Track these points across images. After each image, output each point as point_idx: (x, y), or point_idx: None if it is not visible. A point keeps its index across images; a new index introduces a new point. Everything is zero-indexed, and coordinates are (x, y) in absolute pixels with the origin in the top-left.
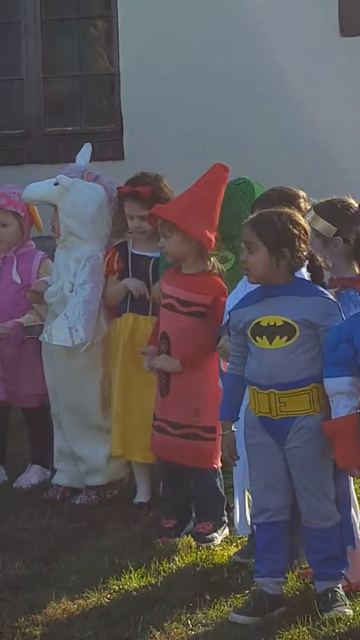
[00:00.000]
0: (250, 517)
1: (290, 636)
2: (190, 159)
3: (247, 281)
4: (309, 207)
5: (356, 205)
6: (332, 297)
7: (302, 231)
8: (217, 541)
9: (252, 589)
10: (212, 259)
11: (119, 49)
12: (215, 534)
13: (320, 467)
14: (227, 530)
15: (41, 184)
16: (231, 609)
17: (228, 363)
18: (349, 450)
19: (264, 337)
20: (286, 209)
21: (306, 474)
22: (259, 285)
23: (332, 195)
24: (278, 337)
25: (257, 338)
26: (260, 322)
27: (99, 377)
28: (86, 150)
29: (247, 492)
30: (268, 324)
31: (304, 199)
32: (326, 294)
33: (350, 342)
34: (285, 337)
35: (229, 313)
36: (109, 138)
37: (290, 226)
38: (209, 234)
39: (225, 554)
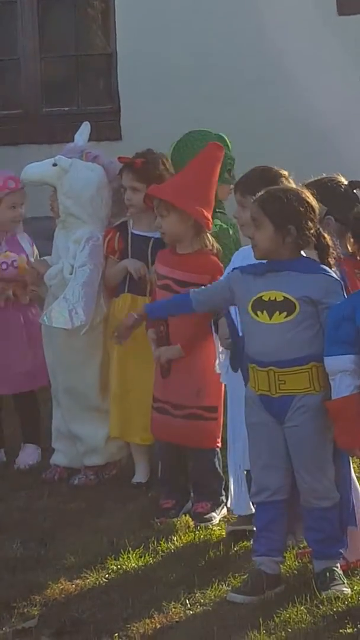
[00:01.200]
0: (250, 495)
1: (288, 615)
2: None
3: (255, 257)
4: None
5: (345, 182)
6: (334, 275)
7: (309, 209)
8: (215, 521)
9: (250, 568)
10: (209, 237)
11: (116, 29)
12: (213, 514)
13: (319, 446)
14: (225, 510)
15: (39, 165)
16: (229, 589)
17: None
18: (351, 430)
19: (264, 312)
20: (294, 187)
21: (305, 453)
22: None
23: (321, 174)
24: (277, 312)
25: (258, 312)
26: (262, 296)
27: (99, 358)
28: (84, 129)
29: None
30: (269, 299)
31: (286, 178)
32: (328, 272)
33: (353, 320)
34: (285, 313)
35: (233, 271)
36: (106, 118)
37: (296, 204)
38: (206, 212)
39: (223, 533)
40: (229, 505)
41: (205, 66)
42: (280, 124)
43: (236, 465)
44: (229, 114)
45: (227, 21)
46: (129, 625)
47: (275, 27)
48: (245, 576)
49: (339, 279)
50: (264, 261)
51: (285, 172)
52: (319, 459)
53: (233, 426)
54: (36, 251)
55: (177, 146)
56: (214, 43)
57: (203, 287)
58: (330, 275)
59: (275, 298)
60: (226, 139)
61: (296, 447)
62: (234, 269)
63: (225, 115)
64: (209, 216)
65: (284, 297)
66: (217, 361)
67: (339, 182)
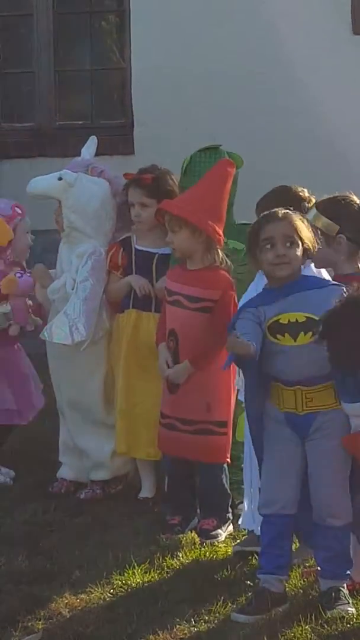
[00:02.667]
0: (258, 507)
1: (292, 634)
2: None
3: (279, 273)
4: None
5: (359, 201)
6: (339, 285)
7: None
8: (221, 538)
9: (255, 586)
10: (220, 253)
11: (130, 43)
12: (219, 531)
13: (339, 461)
14: (231, 527)
15: (45, 178)
16: (234, 606)
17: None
18: None
19: (286, 334)
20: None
21: (325, 466)
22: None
23: (344, 190)
24: (302, 333)
25: (279, 336)
26: (279, 320)
27: (102, 373)
28: (91, 143)
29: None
30: (289, 321)
31: (305, 199)
32: (334, 283)
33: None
34: (310, 333)
35: (244, 308)
36: (119, 132)
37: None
38: (218, 228)
39: (229, 551)
40: (240, 522)
41: (219, 81)
42: (296, 138)
43: (251, 482)
44: (243, 129)
45: (241, 37)
46: None
47: (290, 43)
48: (250, 595)
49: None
50: (269, 288)
51: (305, 190)
52: (339, 474)
53: (249, 443)
54: None
55: (191, 162)
56: (228, 58)
57: (243, 329)
58: (338, 286)
59: (297, 319)
60: (236, 157)
61: (316, 459)
62: (247, 309)
63: (239, 130)
64: (220, 232)
65: (306, 317)
66: (237, 377)
67: (352, 200)
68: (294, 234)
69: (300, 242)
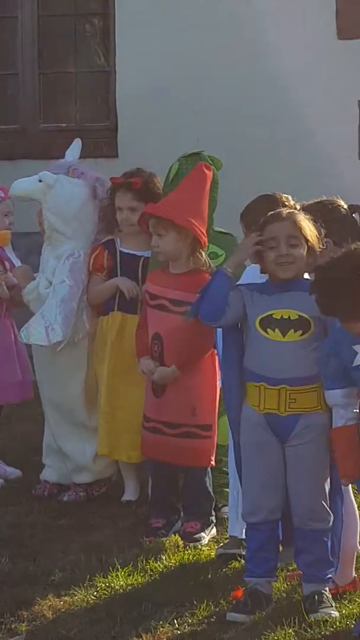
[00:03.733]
0: (242, 515)
1: (276, 637)
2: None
3: (283, 275)
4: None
5: (345, 206)
6: None
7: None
8: (205, 541)
9: (246, 588)
10: (203, 256)
11: (115, 46)
12: (202, 534)
13: (320, 467)
14: (214, 530)
15: (26, 180)
16: (218, 609)
17: None
18: (348, 461)
19: (277, 329)
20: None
21: (307, 472)
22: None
23: (330, 196)
24: (292, 330)
25: (269, 330)
26: (272, 314)
27: (83, 375)
28: (75, 145)
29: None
30: (281, 317)
31: (288, 205)
32: None
33: (338, 356)
34: (300, 331)
35: (239, 286)
36: (103, 135)
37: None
38: (203, 230)
39: (212, 554)
40: (228, 529)
41: (203, 85)
42: (278, 144)
43: (236, 487)
44: (227, 133)
45: (227, 41)
46: None
47: (276, 49)
48: (244, 596)
49: None
50: (267, 282)
51: (289, 198)
52: (319, 479)
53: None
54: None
55: (175, 167)
56: (213, 62)
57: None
58: None
59: (289, 316)
60: (211, 161)
61: (298, 465)
62: (238, 284)
63: (223, 134)
64: (205, 234)
65: (299, 315)
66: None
67: (339, 205)
68: (298, 233)
69: (304, 242)
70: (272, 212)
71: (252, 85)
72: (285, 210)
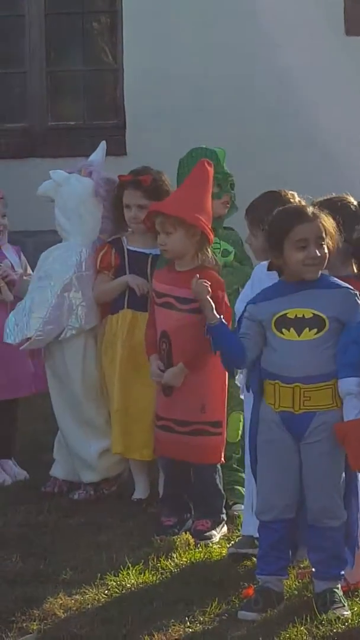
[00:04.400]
0: (256, 513)
1: (288, 635)
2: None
3: (310, 276)
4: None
5: (355, 203)
6: (351, 288)
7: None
8: (216, 539)
9: (257, 586)
10: (210, 253)
11: (123, 44)
12: (213, 532)
13: (336, 464)
14: (225, 528)
15: (48, 181)
16: (229, 607)
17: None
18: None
19: (292, 329)
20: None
21: (322, 469)
22: (271, 280)
23: (331, 193)
24: (307, 329)
25: (284, 330)
26: (286, 314)
27: (80, 372)
28: (100, 149)
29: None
30: (296, 316)
31: (294, 202)
32: (347, 286)
33: (359, 344)
34: (315, 330)
35: (246, 306)
36: (111, 133)
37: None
38: (209, 226)
39: (224, 552)
40: (243, 529)
41: (211, 83)
42: (284, 141)
43: (251, 485)
44: (234, 131)
45: (233, 39)
46: None
47: (282, 44)
48: (255, 594)
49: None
50: (278, 283)
51: (295, 194)
52: (334, 476)
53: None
54: (24, 260)
55: (180, 164)
56: (221, 60)
57: (241, 336)
58: (351, 289)
59: (304, 315)
60: (218, 153)
61: (313, 462)
62: (247, 304)
63: (230, 132)
64: (211, 231)
65: (313, 313)
66: (237, 376)
67: (349, 201)
68: (324, 233)
69: (328, 241)
70: (293, 209)
71: (259, 83)
72: (309, 209)
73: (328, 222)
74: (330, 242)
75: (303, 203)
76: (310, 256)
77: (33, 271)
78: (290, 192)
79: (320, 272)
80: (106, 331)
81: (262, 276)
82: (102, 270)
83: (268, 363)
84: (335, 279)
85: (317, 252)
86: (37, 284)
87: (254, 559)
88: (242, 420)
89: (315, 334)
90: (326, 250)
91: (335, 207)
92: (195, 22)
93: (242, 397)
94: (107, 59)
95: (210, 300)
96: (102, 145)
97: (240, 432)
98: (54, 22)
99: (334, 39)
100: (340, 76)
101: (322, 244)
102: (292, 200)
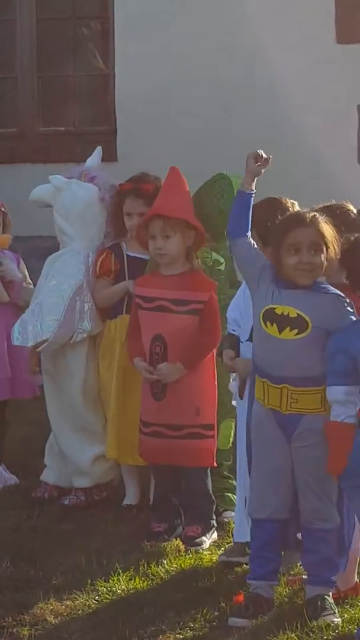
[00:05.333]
0: (249, 511)
1: None
2: (184, 161)
3: (301, 281)
4: None
5: (355, 211)
6: (344, 296)
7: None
8: (206, 545)
9: (246, 592)
10: (197, 256)
11: (114, 49)
12: (204, 538)
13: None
14: (215, 535)
15: (42, 186)
16: (219, 613)
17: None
18: (336, 456)
19: (275, 324)
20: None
21: (312, 474)
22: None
23: (330, 200)
24: (288, 328)
25: (268, 323)
26: (275, 308)
27: (81, 377)
28: (96, 154)
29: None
30: (282, 313)
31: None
32: (339, 293)
33: (347, 354)
34: (296, 330)
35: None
36: (102, 139)
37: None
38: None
39: (214, 558)
40: (235, 536)
41: (202, 88)
42: (277, 148)
43: (242, 490)
44: (226, 137)
45: (225, 45)
46: None
47: (274, 52)
48: (246, 601)
49: (349, 301)
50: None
51: (295, 203)
52: (325, 481)
53: (241, 450)
54: (24, 267)
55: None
56: (211, 66)
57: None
58: (340, 296)
59: (288, 313)
60: (233, 182)
61: (303, 467)
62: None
63: (221, 138)
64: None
65: (297, 314)
66: (230, 381)
67: (348, 209)
68: (321, 240)
69: (325, 248)
70: (294, 214)
71: (251, 89)
72: (309, 215)
73: (327, 231)
74: (332, 251)
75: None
76: (302, 261)
77: (30, 278)
78: (291, 201)
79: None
80: (104, 336)
81: None
82: (101, 275)
83: (256, 357)
84: (328, 285)
85: (310, 258)
86: (47, 287)
87: (245, 566)
88: (233, 427)
89: (296, 334)
90: (322, 258)
91: (335, 214)
92: (188, 29)
93: (234, 403)
94: (99, 65)
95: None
96: (98, 150)
97: (231, 440)
98: (45, 28)
99: (326, 46)
100: (332, 83)
101: (316, 251)
102: (291, 208)
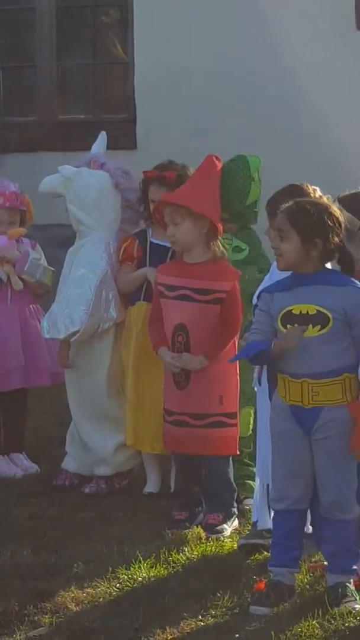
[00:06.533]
0: (270, 502)
1: (300, 629)
2: (202, 150)
3: (277, 268)
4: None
5: None
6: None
7: (337, 224)
8: (227, 532)
9: (268, 580)
10: (219, 245)
11: (133, 38)
12: (225, 525)
13: (347, 459)
14: (236, 522)
15: (50, 177)
16: (241, 601)
17: (249, 334)
18: None
19: (296, 325)
20: (323, 200)
21: (332, 465)
22: (289, 273)
23: (357, 188)
24: (311, 325)
25: (289, 326)
26: (292, 310)
27: (107, 364)
28: (101, 139)
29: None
30: (300, 312)
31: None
32: (358, 284)
33: None
34: (319, 326)
35: (259, 294)
36: (121, 127)
37: (325, 217)
38: (218, 218)
39: (235, 545)
40: (254, 518)
41: (221, 77)
42: (296, 136)
43: (263, 478)
44: (244, 125)
45: (244, 32)
46: (139, 635)
47: (292, 39)
48: (266, 589)
49: None
50: (289, 276)
51: (317, 189)
52: (345, 472)
53: (261, 438)
54: (42, 254)
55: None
56: (230, 54)
57: (255, 327)
58: (357, 286)
59: (308, 311)
60: (250, 161)
61: (324, 458)
62: (261, 292)
63: (241, 126)
64: (220, 222)
65: (317, 310)
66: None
67: None
68: (288, 227)
69: (297, 235)
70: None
71: (270, 77)
72: (289, 203)
73: (302, 216)
74: (319, 236)
75: (324, 198)
76: (272, 245)
77: (48, 264)
78: (313, 187)
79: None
80: (126, 324)
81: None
82: (124, 261)
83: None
84: (343, 274)
85: (276, 243)
86: (73, 278)
87: (265, 553)
88: (252, 415)
89: (319, 330)
90: (289, 246)
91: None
92: (205, 16)
93: (255, 389)
94: (118, 53)
95: None
96: (102, 135)
97: (251, 427)
98: (65, 16)
99: (345, 33)
100: (351, 70)
101: (283, 237)
102: (313, 194)
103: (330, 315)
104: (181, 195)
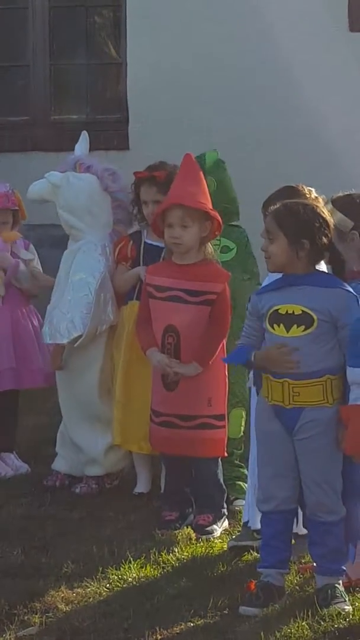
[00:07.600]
0: (257, 504)
1: (289, 630)
2: (196, 150)
3: (268, 267)
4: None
5: None
6: (351, 289)
7: (324, 224)
8: (217, 533)
9: (257, 581)
10: (210, 247)
11: (126, 38)
12: (215, 526)
13: (329, 460)
14: (226, 523)
15: (38, 183)
16: (230, 602)
17: (239, 341)
18: (357, 438)
19: (281, 325)
20: (311, 201)
21: (315, 466)
22: (281, 274)
23: (351, 189)
24: (295, 325)
25: (275, 326)
26: (278, 309)
27: (100, 365)
28: (83, 139)
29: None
30: (287, 312)
31: (311, 197)
32: (345, 286)
33: None
34: (303, 327)
35: (250, 297)
36: (114, 128)
37: (311, 218)
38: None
39: (225, 546)
40: (245, 519)
41: (214, 77)
42: (289, 135)
43: (254, 479)
44: (237, 124)
45: (237, 32)
46: (129, 636)
47: (286, 40)
48: (256, 590)
49: (354, 293)
50: (279, 277)
51: (312, 190)
52: (328, 473)
53: (253, 438)
54: (35, 254)
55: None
56: (223, 54)
57: (245, 331)
58: (348, 290)
59: (294, 311)
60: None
61: (306, 459)
62: (251, 295)
63: (234, 125)
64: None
65: (302, 310)
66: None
67: None
68: (275, 229)
69: (284, 237)
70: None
71: (263, 77)
72: (277, 205)
73: (288, 218)
74: (305, 237)
75: (320, 199)
76: (262, 248)
77: (41, 263)
78: (308, 188)
79: (323, 266)
80: (118, 323)
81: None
82: (120, 261)
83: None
84: (333, 276)
85: (265, 246)
86: (73, 282)
87: (255, 553)
88: (243, 416)
89: (303, 330)
90: (277, 247)
91: (354, 203)
92: (199, 17)
93: (250, 389)
94: (111, 54)
95: None
96: (84, 135)
97: (242, 428)
98: (58, 16)
99: (339, 34)
100: (344, 72)
101: (271, 239)
102: (308, 196)
103: (315, 317)
104: (196, 198)
